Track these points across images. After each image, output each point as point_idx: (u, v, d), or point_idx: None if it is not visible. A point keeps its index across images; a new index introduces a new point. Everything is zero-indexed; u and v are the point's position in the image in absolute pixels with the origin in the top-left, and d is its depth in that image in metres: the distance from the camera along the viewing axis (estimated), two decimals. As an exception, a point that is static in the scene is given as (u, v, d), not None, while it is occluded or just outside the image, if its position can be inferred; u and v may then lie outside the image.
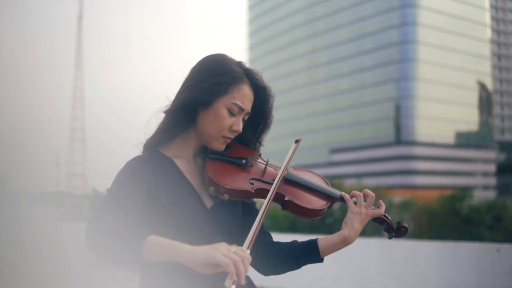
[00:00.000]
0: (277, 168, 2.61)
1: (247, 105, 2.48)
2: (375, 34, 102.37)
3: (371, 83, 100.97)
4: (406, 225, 2.61)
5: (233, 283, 1.79)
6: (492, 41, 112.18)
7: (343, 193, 2.59)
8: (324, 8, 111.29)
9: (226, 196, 2.40)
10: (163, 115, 2.50)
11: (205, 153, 2.56)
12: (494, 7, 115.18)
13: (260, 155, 2.67)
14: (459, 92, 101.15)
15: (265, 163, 2.61)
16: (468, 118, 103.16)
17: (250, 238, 2.06)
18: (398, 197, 49.93)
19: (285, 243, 2.60)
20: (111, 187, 2.25)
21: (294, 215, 2.56)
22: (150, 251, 1.88)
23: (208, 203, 2.46)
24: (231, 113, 2.44)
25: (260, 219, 2.17)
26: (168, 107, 2.48)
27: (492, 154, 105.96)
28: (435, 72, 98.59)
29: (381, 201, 2.62)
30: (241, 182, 2.45)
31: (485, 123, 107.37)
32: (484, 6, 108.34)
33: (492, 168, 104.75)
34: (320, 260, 2.55)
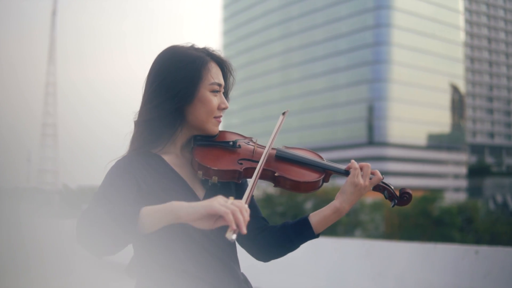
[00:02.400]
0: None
1: (221, 79, 2.47)
2: (349, 35, 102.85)
3: (345, 84, 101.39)
4: (410, 191, 2.51)
5: (233, 233, 1.82)
6: (466, 44, 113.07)
7: (348, 166, 2.52)
8: (299, 8, 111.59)
9: (215, 179, 2.35)
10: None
11: (193, 144, 2.49)
12: (468, 10, 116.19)
13: (251, 139, 2.61)
14: (431, 94, 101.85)
15: (253, 145, 2.55)
16: (440, 120, 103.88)
17: (247, 193, 2.09)
18: (370, 198, 50.07)
19: (277, 225, 2.56)
20: (99, 187, 2.19)
21: (288, 191, 2.50)
22: (148, 220, 1.90)
23: (200, 193, 2.41)
24: (215, 92, 2.42)
25: (255, 178, 2.22)
26: (144, 114, 2.40)
27: (463, 157, 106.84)
28: (408, 74, 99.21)
29: (375, 170, 2.52)
30: (229, 162, 2.42)
31: (457, 126, 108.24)
32: (458, 9, 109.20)
33: (463, 170, 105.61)
34: (315, 236, 2.49)
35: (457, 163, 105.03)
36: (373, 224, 46.55)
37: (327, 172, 2.51)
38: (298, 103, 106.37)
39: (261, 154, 2.47)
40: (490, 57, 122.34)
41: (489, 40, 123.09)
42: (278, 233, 2.50)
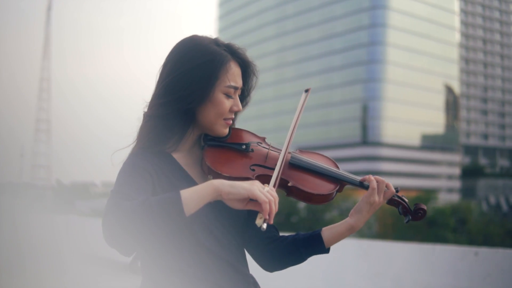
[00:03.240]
0: (280, 152, 2.41)
1: (239, 82, 2.35)
2: (344, 35, 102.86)
3: (339, 83, 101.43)
4: (424, 207, 2.41)
5: (264, 221, 1.87)
6: (461, 45, 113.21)
7: (363, 178, 2.42)
8: (294, 7, 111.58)
9: None
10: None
11: (203, 143, 2.39)
12: (463, 11, 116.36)
13: (264, 139, 2.50)
14: (426, 94, 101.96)
15: (268, 148, 2.43)
16: (434, 121, 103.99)
17: (275, 179, 2.11)
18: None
19: (288, 236, 2.47)
20: (115, 187, 2.07)
21: (300, 201, 2.38)
22: (191, 200, 1.89)
23: None
24: (228, 96, 2.31)
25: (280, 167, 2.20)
26: (154, 110, 2.29)
27: (457, 157, 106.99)
28: (403, 74, 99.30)
29: (387, 182, 2.42)
30: (241, 169, 2.29)
31: (451, 126, 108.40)
32: (453, 10, 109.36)
33: (456, 171, 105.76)
34: (326, 251, 2.42)
35: (450, 164, 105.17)
36: (366, 224, 46.54)
37: (342, 183, 2.40)
38: (292, 101, 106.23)
39: (274, 159, 2.36)
40: (485, 59, 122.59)
41: (484, 41, 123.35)
42: (288, 246, 2.43)
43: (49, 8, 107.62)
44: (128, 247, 1.89)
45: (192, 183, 2.25)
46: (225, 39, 2.43)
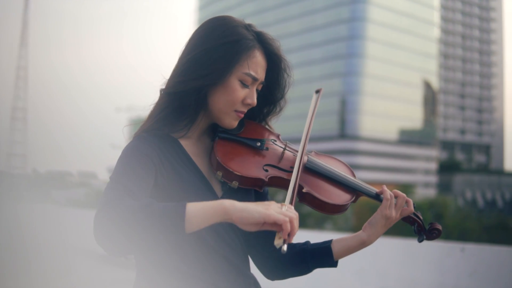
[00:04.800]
0: (296, 152, 2.24)
1: (261, 74, 2.15)
2: (324, 28, 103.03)
3: (318, 76, 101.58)
4: (439, 227, 2.26)
5: (284, 242, 1.69)
6: (440, 41, 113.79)
7: (379, 190, 2.25)
8: (274, 0, 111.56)
9: (235, 184, 2.08)
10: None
11: (214, 131, 2.23)
12: (443, 7, 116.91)
13: (278, 136, 2.32)
14: (404, 89, 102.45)
15: (283, 147, 2.25)
16: (412, 116, 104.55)
17: (291, 196, 1.93)
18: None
19: (296, 245, 2.30)
20: (114, 173, 1.92)
21: (313, 209, 2.18)
22: (195, 219, 1.70)
23: (218, 190, 2.15)
24: (244, 85, 2.11)
25: (296, 180, 2.00)
26: (170, 87, 2.12)
27: (434, 152, 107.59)
28: (382, 69, 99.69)
29: (408, 198, 2.25)
30: (254, 168, 2.12)
31: (428, 121, 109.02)
32: (433, 5, 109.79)
33: (433, 166, 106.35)
34: (334, 264, 2.25)
35: (427, 158, 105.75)
36: (343, 218, 46.70)
37: (358, 194, 2.24)
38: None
39: (289, 160, 2.19)
40: (463, 54, 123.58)
41: (463, 37, 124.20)
42: (295, 256, 2.27)
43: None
44: (117, 249, 1.71)
45: (198, 173, 2.11)
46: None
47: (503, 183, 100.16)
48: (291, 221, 1.70)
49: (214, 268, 2.04)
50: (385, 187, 2.23)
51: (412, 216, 2.26)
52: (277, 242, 1.70)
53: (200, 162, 2.15)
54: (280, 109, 2.35)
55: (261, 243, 2.26)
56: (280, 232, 1.70)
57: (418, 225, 2.27)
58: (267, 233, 2.17)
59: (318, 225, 46.41)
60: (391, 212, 2.19)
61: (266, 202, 1.76)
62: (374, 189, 2.26)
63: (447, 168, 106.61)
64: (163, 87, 2.15)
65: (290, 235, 1.70)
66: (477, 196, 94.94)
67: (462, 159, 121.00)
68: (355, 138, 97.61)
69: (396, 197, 2.22)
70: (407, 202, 2.24)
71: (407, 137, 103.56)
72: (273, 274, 2.33)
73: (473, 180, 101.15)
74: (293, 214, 1.73)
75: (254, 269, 2.26)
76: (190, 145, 2.16)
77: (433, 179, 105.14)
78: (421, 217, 2.28)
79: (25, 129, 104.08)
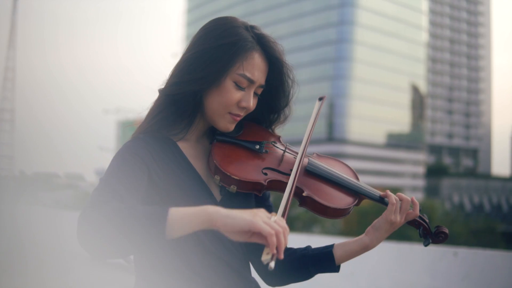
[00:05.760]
0: (297, 155, 2.17)
1: (258, 77, 2.07)
2: (312, 32, 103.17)
3: (307, 79, 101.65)
4: (446, 230, 2.19)
5: (272, 258, 1.56)
6: (428, 45, 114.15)
7: (383, 193, 2.20)
8: (263, 3, 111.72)
9: (233, 188, 2.01)
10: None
11: (212, 134, 2.17)
12: (431, 11, 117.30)
13: (279, 138, 2.26)
14: (392, 93, 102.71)
15: (283, 149, 2.19)
16: (400, 120, 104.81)
17: (284, 207, 1.86)
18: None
19: (297, 250, 2.26)
20: (104, 175, 1.87)
21: (314, 213, 2.13)
22: (177, 224, 1.61)
23: (217, 194, 2.09)
24: (239, 87, 2.04)
25: (288, 200, 1.90)
26: (166, 88, 2.08)
27: (421, 156, 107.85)
28: (370, 72, 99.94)
29: (415, 199, 2.19)
30: (253, 172, 2.05)
31: (416, 125, 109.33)
32: (421, 9, 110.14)
33: (421, 170, 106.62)
34: (336, 269, 2.22)
35: (415, 162, 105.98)
36: (330, 221, 46.77)
37: (360, 197, 2.18)
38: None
39: (289, 163, 2.13)
40: (451, 59, 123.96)
41: (451, 41, 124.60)
42: (296, 261, 2.22)
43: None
44: (99, 251, 1.65)
45: (196, 177, 2.05)
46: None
47: (490, 187, 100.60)
48: (277, 235, 1.58)
49: (215, 272, 1.99)
50: (389, 192, 2.18)
51: (418, 219, 2.19)
52: (265, 258, 1.57)
53: (199, 165, 2.10)
54: (285, 118, 2.30)
55: (261, 247, 2.15)
56: (268, 247, 1.58)
57: (424, 229, 2.20)
58: None
59: (306, 229, 46.46)
60: (396, 217, 2.13)
61: (254, 210, 1.64)
62: (378, 192, 2.21)
63: (434, 172, 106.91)
64: (162, 86, 2.11)
65: (278, 249, 1.57)
66: (464, 200, 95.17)
67: (449, 163, 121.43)
68: (343, 141, 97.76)
69: (401, 200, 2.15)
70: (413, 204, 2.17)
71: (395, 141, 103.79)
72: (274, 280, 2.28)
73: (461, 184, 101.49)
74: (280, 227, 1.60)
75: (254, 276, 2.21)
76: (188, 147, 2.11)
77: (420, 183, 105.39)
78: (427, 220, 2.21)
79: (12, 130, 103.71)
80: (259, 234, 1.60)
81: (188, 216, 1.62)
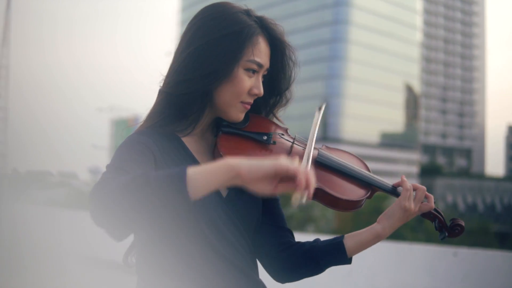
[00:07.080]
0: (306, 146, 2.06)
1: (265, 60, 1.99)
2: (306, 31, 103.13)
3: (301, 79, 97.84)
4: (462, 223, 2.11)
5: (301, 196, 1.50)
6: (422, 44, 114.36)
7: (397, 182, 2.13)
8: (257, 2, 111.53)
9: None
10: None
11: (217, 127, 2.08)
12: (426, 11, 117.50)
13: (286, 130, 2.17)
14: (386, 92, 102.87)
15: (291, 141, 2.10)
16: (394, 119, 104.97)
17: (306, 159, 1.86)
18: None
19: (306, 243, 2.13)
20: (111, 161, 1.81)
21: (325, 206, 2.04)
22: (199, 181, 1.51)
23: (223, 189, 1.98)
24: (250, 73, 1.97)
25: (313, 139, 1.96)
26: (171, 88, 1.96)
27: (415, 156, 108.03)
28: (364, 72, 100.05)
29: (428, 193, 2.09)
30: None
31: (410, 125, 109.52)
32: (416, 9, 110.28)
33: (415, 169, 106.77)
34: (348, 261, 2.11)
35: (409, 162, 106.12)
36: (324, 220, 46.76)
37: (373, 189, 2.10)
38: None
39: (299, 155, 2.04)
40: (445, 58, 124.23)
41: (446, 41, 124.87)
42: (305, 255, 2.10)
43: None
44: (116, 226, 1.55)
45: None
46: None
47: (484, 187, 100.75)
48: (305, 174, 1.51)
49: (220, 273, 1.92)
50: (404, 177, 2.10)
51: (433, 212, 2.11)
52: (295, 198, 1.50)
53: (204, 160, 2.01)
54: (287, 101, 2.21)
55: (268, 242, 2.10)
56: (296, 188, 1.51)
57: (439, 221, 2.12)
58: (274, 230, 2.09)
59: (300, 227, 46.38)
60: (410, 204, 2.04)
61: (273, 157, 1.56)
62: (390, 184, 2.13)
63: (428, 171, 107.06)
64: (161, 85, 2.02)
65: (308, 188, 1.51)
66: (458, 200, 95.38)
67: (443, 163, 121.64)
68: (337, 141, 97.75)
69: (415, 189, 2.07)
70: (427, 197, 2.09)
71: (389, 141, 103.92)
72: (283, 275, 2.16)
73: (454, 184, 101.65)
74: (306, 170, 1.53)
75: (264, 274, 2.11)
76: (192, 142, 2.03)
77: (414, 182, 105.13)
78: (442, 213, 2.13)
79: (5, 128, 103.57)
80: (285, 178, 1.53)
81: (209, 171, 1.52)
